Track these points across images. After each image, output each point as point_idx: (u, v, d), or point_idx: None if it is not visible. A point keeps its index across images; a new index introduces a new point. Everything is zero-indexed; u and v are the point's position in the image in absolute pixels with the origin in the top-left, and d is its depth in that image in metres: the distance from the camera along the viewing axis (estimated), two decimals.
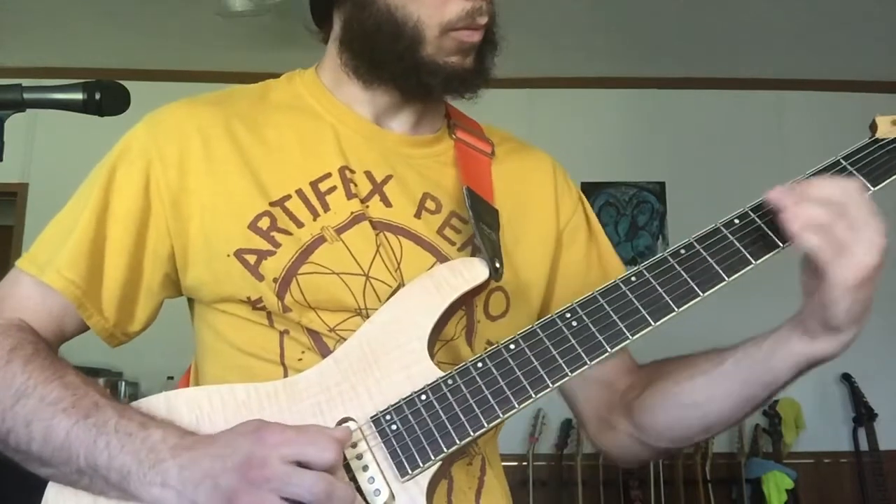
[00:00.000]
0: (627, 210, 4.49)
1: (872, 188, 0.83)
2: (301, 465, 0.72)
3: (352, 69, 0.98)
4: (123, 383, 3.82)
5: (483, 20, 0.93)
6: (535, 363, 0.81)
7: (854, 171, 0.84)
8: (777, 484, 3.83)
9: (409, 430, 0.80)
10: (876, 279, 0.77)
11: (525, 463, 3.88)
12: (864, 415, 4.10)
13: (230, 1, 3.47)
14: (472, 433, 0.80)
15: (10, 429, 0.83)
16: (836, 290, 0.76)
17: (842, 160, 0.85)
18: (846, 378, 4.18)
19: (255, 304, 0.90)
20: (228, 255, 0.90)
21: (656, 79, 4.50)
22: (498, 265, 0.90)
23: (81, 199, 0.95)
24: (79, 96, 0.96)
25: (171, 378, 3.48)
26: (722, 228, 0.84)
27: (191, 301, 0.99)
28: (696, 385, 0.90)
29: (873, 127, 0.87)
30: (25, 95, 0.96)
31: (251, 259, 0.89)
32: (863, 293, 0.77)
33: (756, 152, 4.41)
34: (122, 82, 0.99)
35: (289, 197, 0.93)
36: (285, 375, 0.88)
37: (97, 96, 0.96)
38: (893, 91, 4.41)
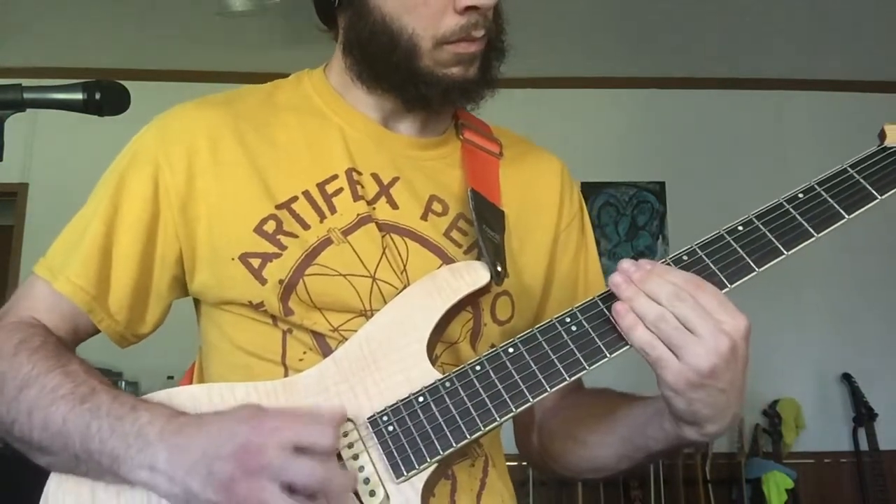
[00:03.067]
0: (627, 210, 4.49)
1: (880, 197, 0.82)
2: (299, 448, 0.73)
3: (355, 74, 0.97)
4: (123, 383, 3.83)
5: (479, 33, 0.91)
6: (534, 367, 0.81)
7: (860, 179, 0.83)
8: (777, 484, 3.83)
9: (406, 431, 0.80)
10: (721, 379, 0.73)
11: (525, 463, 3.88)
12: (864, 415, 4.11)
13: (230, 1, 3.47)
14: (468, 436, 0.80)
15: (14, 419, 0.84)
16: (664, 390, 0.76)
17: (848, 168, 0.84)
18: (846, 378, 4.19)
19: (258, 308, 0.90)
20: (233, 259, 0.90)
21: (656, 79, 4.50)
22: (500, 269, 0.89)
23: (93, 205, 0.95)
24: (79, 96, 0.96)
25: (170, 378, 3.48)
26: (725, 235, 0.83)
27: (196, 301, 0.99)
28: (590, 426, 0.94)
29: (882, 135, 0.86)
30: (25, 95, 0.95)
31: (255, 263, 0.90)
32: (702, 394, 0.74)
33: (756, 152, 4.41)
34: (122, 82, 0.99)
35: (295, 198, 0.93)
36: (286, 375, 0.88)
37: (97, 96, 0.96)
38: (893, 91, 4.41)
